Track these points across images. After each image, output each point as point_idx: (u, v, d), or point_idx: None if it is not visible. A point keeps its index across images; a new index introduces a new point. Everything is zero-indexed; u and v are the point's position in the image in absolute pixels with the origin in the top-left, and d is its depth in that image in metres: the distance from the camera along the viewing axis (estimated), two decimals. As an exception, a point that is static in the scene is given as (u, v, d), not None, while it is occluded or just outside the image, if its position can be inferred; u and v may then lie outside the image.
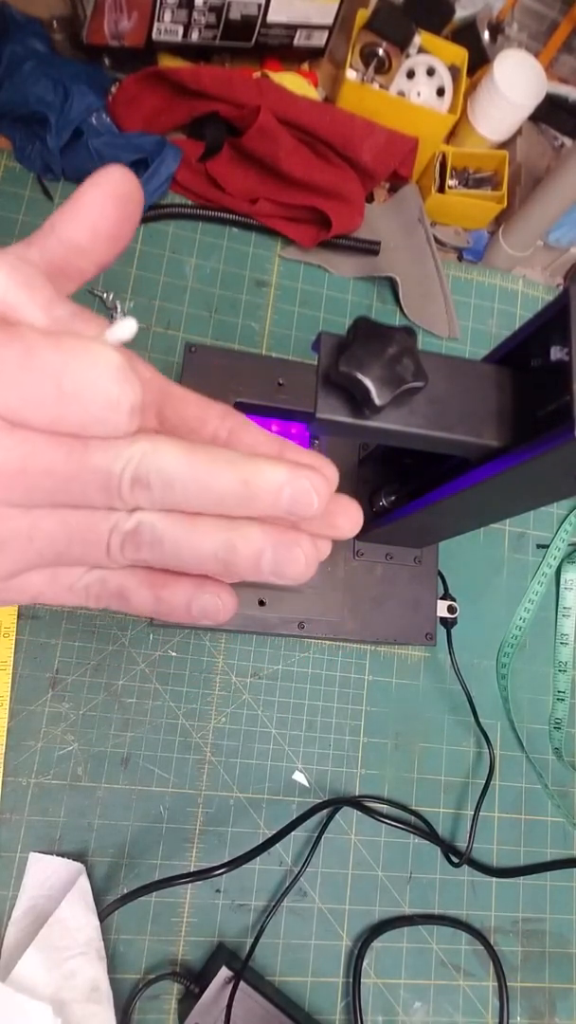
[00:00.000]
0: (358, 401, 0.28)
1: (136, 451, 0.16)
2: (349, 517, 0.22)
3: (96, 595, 0.20)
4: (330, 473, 0.20)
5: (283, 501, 0.18)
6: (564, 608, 0.60)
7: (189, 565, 0.19)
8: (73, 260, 0.19)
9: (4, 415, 0.15)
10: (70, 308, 0.18)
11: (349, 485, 0.50)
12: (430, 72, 0.60)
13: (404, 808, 0.52)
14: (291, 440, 0.53)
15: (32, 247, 0.19)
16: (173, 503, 0.17)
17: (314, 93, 0.61)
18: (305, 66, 0.63)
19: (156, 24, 0.55)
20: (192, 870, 0.47)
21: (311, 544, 0.19)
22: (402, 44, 0.58)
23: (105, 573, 0.20)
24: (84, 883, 0.44)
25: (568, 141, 0.69)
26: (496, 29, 0.65)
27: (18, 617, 0.48)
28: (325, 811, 0.50)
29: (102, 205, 0.19)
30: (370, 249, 0.60)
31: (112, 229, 0.19)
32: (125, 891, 0.45)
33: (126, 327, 0.17)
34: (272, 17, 0.57)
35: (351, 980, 0.48)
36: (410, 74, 0.60)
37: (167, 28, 0.55)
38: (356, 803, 0.50)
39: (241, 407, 0.48)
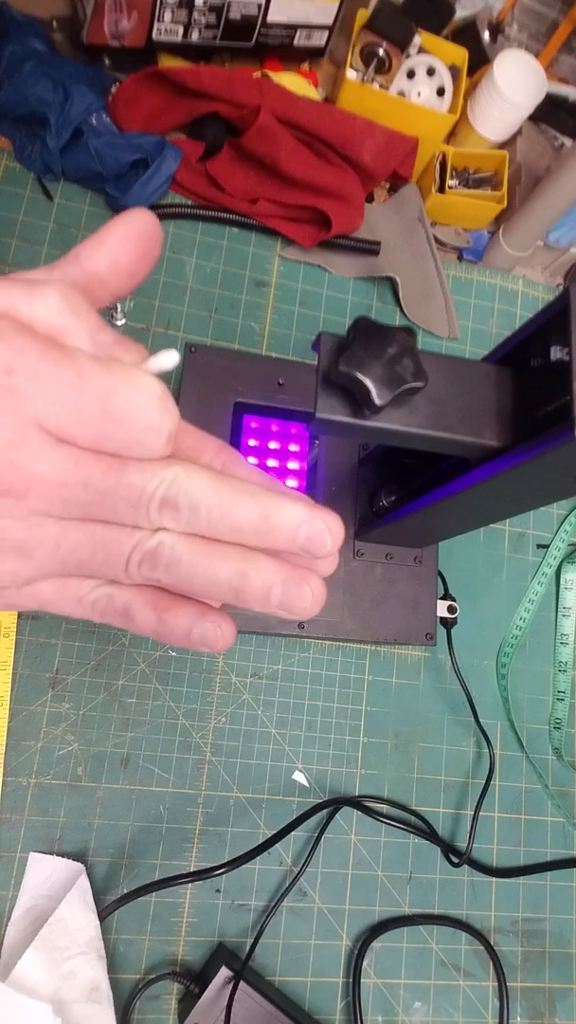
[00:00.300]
0: (358, 401, 0.28)
1: (169, 474, 0.18)
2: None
3: (102, 610, 0.21)
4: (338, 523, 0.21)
5: (299, 539, 0.19)
6: (564, 608, 0.60)
7: (200, 589, 0.20)
8: (93, 289, 0.20)
9: (53, 430, 0.17)
10: (112, 335, 0.19)
11: (349, 485, 0.50)
12: (430, 72, 0.60)
13: (404, 808, 0.52)
14: (291, 440, 0.53)
15: (55, 271, 0.20)
16: (196, 527, 0.18)
17: (314, 93, 0.61)
18: (305, 66, 0.63)
19: (156, 24, 0.55)
20: (192, 870, 0.47)
21: (319, 583, 0.20)
22: (402, 44, 0.58)
23: (114, 589, 0.20)
24: (84, 883, 0.44)
25: (568, 141, 0.69)
26: (496, 29, 0.65)
27: (18, 617, 0.48)
28: (325, 811, 0.50)
29: (124, 241, 0.20)
30: (370, 249, 0.60)
31: (132, 265, 0.21)
32: (125, 891, 0.45)
33: (168, 358, 0.19)
34: (272, 17, 0.57)
35: (351, 980, 0.48)
36: (410, 74, 0.60)
37: (167, 28, 0.55)
38: (356, 803, 0.50)
39: (241, 407, 0.48)
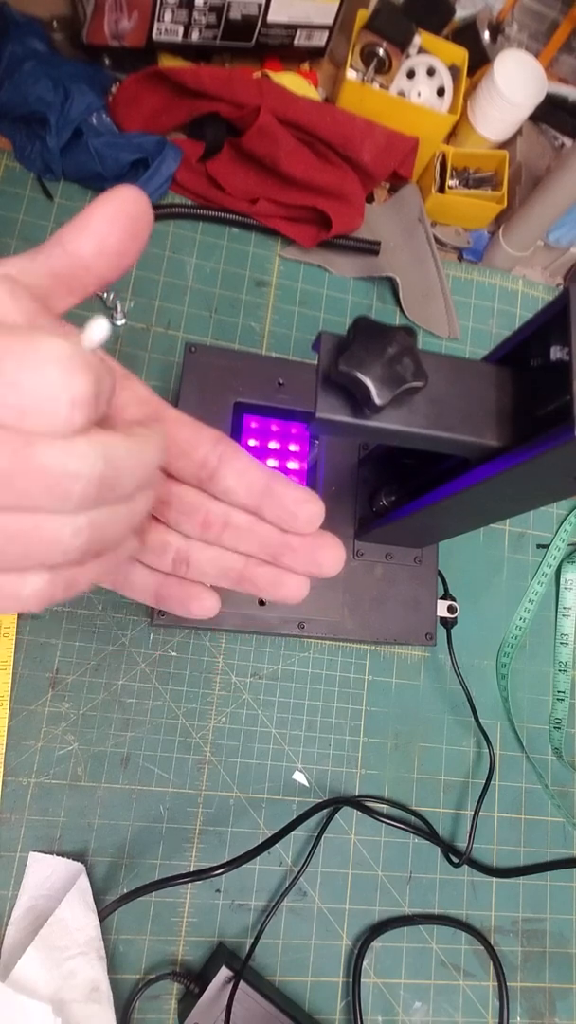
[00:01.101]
0: (358, 401, 0.28)
1: (86, 449, 0.15)
2: (332, 554, 0.22)
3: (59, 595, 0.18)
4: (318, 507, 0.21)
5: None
6: (564, 608, 0.60)
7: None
8: (77, 274, 0.19)
9: None
10: (52, 321, 0.18)
11: (349, 485, 0.50)
12: (430, 72, 0.60)
13: (404, 808, 0.52)
14: (291, 440, 0.53)
15: (39, 255, 0.19)
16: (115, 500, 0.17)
17: (314, 93, 0.61)
18: (305, 66, 0.63)
19: (156, 24, 0.55)
20: (192, 870, 0.47)
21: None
22: (402, 44, 0.58)
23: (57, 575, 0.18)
24: (84, 883, 0.44)
25: (568, 141, 0.69)
26: (496, 29, 0.65)
27: (18, 617, 0.48)
28: (325, 811, 0.50)
29: (111, 222, 0.19)
30: (370, 249, 0.60)
31: (118, 246, 0.19)
32: (125, 891, 0.45)
33: (97, 328, 0.16)
34: (272, 17, 0.57)
35: (351, 980, 0.48)
36: (410, 74, 0.60)
37: (167, 28, 0.55)
38: (356, 803, 0.50)
39: (241, 407, 0.48)
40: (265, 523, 0.22)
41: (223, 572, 0.23)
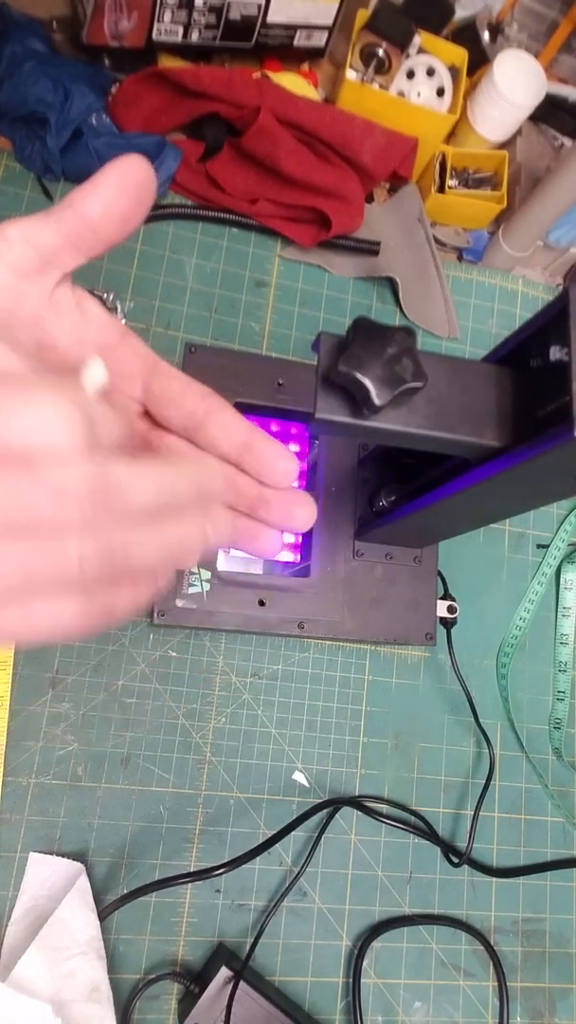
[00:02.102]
0: (358, 401, 0.28)
1: (92, 469, 0.16)
2: (305, 510, 0.24)
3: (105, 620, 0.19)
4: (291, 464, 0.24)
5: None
6: (564, 608, 0.60)
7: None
8: (84, 234, 0.21)
9: None
10: (55, 365, 0.21)
11: (349, 485, 0.50)
12: (430, 72, 0.60)
13: (404, 808, 0.52)
14: (291, 440, 0.53)
15: (50, 216, 0.21)
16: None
17: (314, 93, 0.61)
18: (305, 66, 0.63)
19: (156, 24, 0.55)
20: (192, 870, 0.47)
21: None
22: (402, 44, 0.58)
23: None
24: (84, 883, 0.44)
25: (568, 141, 0.69)
26: (496, 29, 0.65)
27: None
28: (325, 811, 0.50)
29: (118, 188, 0.21)
30: (370, 249, 0.60)
31: (124, 211, 0.21)
32: (125, 891, 0.45)
33: (95, 370, 0.20)
34: (272, 17, 0.57)
35: (351, 980, 0.48)
36: (410, 74, 0.60)
37: (167, 28, 0.55)
38: (356, 803, 0.50)
39: (241, 407, 0.48)
40: (244, 475, 0.24)
41: None
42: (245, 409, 0.49)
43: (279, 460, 0.23)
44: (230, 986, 0.43)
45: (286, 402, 0.48)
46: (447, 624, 0.53)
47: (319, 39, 0.60)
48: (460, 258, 0.67)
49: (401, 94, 0.60)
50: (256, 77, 0.58)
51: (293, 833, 0.48)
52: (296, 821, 0.48)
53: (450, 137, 0.65)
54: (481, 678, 0.57)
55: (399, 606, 0.50)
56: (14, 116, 0.53)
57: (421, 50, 0.59)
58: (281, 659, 0.52)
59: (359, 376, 0.27)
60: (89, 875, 0.44)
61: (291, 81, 0.60)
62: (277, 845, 0.47)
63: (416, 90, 0.60)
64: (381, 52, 0.58)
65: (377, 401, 0.27)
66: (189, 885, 0.47)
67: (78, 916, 0.43)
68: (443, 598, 0.53)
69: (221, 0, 0.54)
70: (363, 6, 0.58)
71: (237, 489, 0.24)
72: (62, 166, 0.53)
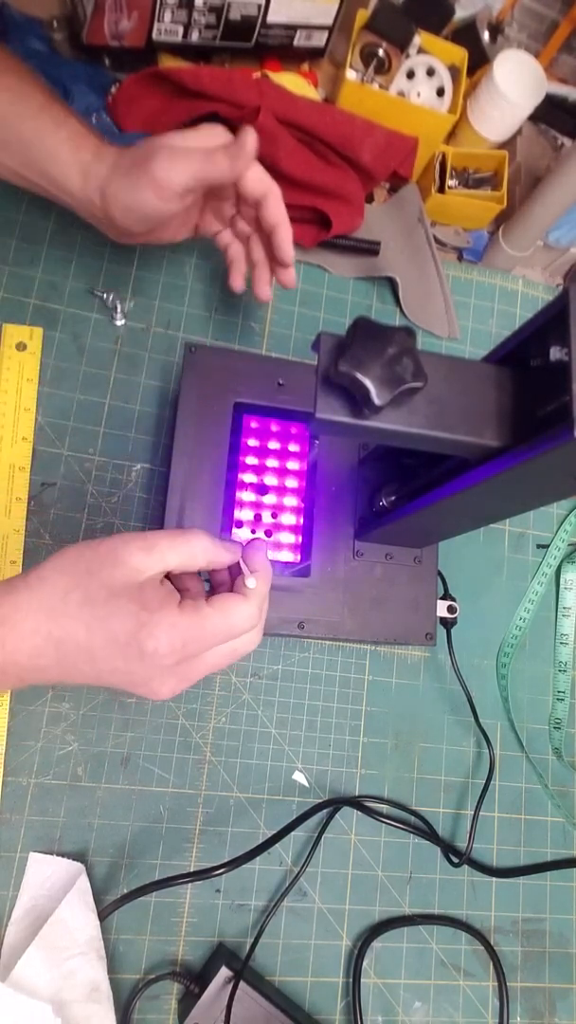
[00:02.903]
0: (358, 401, 0.28)
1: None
2: (291, 272, 0.48)
3: None
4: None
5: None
6: (564, 608, 0.60)
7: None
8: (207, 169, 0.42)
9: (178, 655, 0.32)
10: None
11: (349, 485, 0.50)
12: (430, 72, 0.60)
13: (404, 808, 0.52)
14: (291, 440, 0.52)
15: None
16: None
17: (314, 93, 0.61)
18: (305, 66, 0.63)
19: (156, 24, 0.55)
20: (192, 870, 0.47)
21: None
22: (402, 44, 0.58)
23: None
24: (84, 883, 0.44)
25: (568, 141, 0.69)
26: (496, 29, 0.65)
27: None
28: (325, 811, 0.50)
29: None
30: (370, 249, 0.60)
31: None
32: (125, 891, 0.45)
33: (250, 583, 0.33)
34: (272, 17, 0.57)
35: (351, 980, 0.48)
36: (410, 74, 0.60)
37: (167, 28, 0.55)
38: (356, 803, 0.50)
39: (241, 407, 0.48)
40: (258, 240, 0.47)
41: (237, 253, 0.49)
42: (245, 409, 0.49)
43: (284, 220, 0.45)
44: (230, 986, 0.43)
45: (286, 402, 0.48)
46: (447, 624, 0.53)
47: (319, 39, 0.60)
48: (460, 258, 0.67)
49: (401, 94, 0.60)
50: (256, 77, 0.58)
51: (293, 833, 0.48)
52: (296, 821, 0.48)
53: (450, 137, 0.65)
54: (481, 678, 0.57)
55: (399, 606, 0.50)
56: (14, 116, 0.53)
57: (421, 50, 0.59)
58: (281, 659, 0.52)
59: (359, 376, 0.27)
60: (89, 875, 0.44)
61: (291, 81, 0.60)
62: (277, 845, 0.47)
63: (416, 90, 0.60)
64: (381, 52, 0.58)
65: (377, 401, 0.27)
66: (189, 885, 0.47)
67: (78, 916, 0.43)
68: (443, 598, 0.53)
69: (221, 0, 0.54)
70: (363, 6, 0.58)
71: (253, 244, 0.48)
72: (62, 166, 0.53)
